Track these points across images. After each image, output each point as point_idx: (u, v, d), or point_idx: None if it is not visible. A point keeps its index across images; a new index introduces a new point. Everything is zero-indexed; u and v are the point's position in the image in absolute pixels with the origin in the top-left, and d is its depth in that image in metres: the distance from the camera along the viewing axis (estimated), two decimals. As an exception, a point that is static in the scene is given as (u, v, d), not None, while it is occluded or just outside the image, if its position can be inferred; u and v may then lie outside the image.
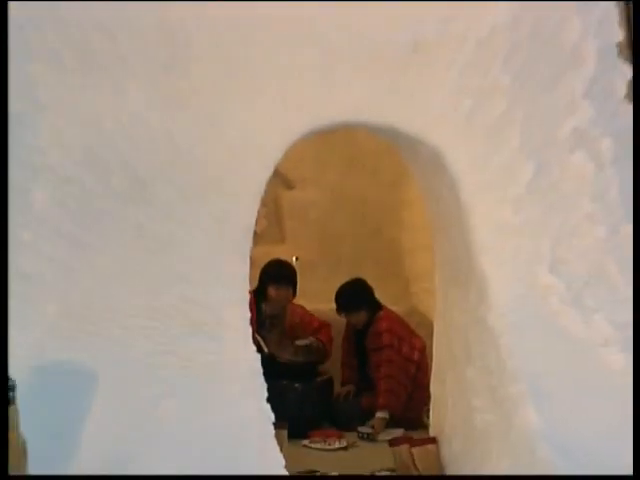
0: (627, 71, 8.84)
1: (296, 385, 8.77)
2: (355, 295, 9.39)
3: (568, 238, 8.25)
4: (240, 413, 7.43)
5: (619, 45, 8.77)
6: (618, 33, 8.76)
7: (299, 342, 9.49)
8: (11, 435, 6.95)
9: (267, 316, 9.03)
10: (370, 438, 8.97)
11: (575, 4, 8.33)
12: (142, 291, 7.75)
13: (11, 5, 8.01)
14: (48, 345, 7.79)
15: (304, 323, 9.59)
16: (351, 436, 8.92)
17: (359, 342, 9.53)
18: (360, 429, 9.08)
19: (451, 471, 8.44)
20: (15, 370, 6.99)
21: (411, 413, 9.21)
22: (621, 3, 15.92)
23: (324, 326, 9.56)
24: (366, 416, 9.17)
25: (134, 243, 7.88)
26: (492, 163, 8.11)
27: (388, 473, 8.47)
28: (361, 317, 9.38)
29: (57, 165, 8.16)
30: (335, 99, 7.93)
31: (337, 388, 9.63)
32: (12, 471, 6.96)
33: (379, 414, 9.07)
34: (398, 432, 8.83)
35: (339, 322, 9.77)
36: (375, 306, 9.41)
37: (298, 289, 9.57)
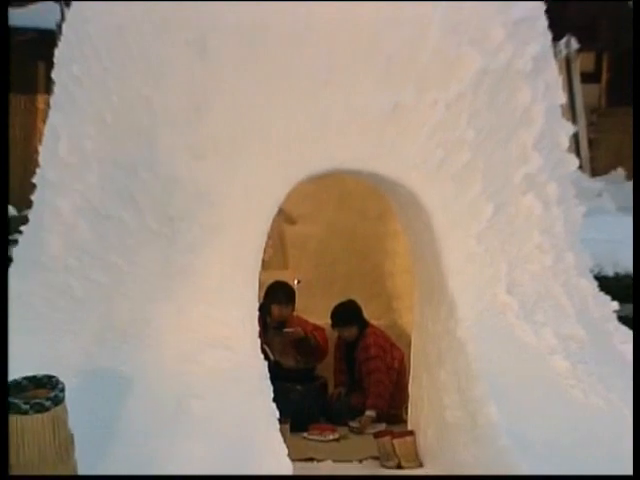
0: (569, 127, 8.98)
1: (297, 387, 8.79)
2: (347, 313, 9.43)
3: (521, 264, 8.36)
4: (251, 410, 7.48)
5: (562, 106, 8.89)
6: (561, 96, 8.87)
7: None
8: (60, 429, 7.04)
9: (271, 328, 9.02)
10: (358, 431, 9.00)
11: (526, 73, 8.41)
12: (171, 310, 7.84)
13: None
14: (93, 353, 7.87)
15: (302, 327, 9.60)
16: (343, 430, 8.93)
17: (349, 352, 9.56)
18: (351, 424, 9.10)
19: (426, 458, 8.50)
20: (65, 374, 7.10)
21: (393, 410, 9.21)
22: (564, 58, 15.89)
23: (319, 328, 9.58)
24: (355, 413, 9.17)
25: (163, 270, 7.95)
26: (459, 203, 8.18)
27: (373, 460, 8.58)
28: (352, 332, 9.42)
29: (99, 205, 8.27)
30: (328, 151, 7.97)
31: (331, 389, 9.62)
32: (62, 459, 7.04)
33: (368, 412, 9.10)
34: (381, 426, 8.85)
35: (332, 335, 9.77)
36: (363, 323, 9.45)
37: (298, 306, 9.59)
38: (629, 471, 7.48)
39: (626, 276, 11.48)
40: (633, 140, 13.92)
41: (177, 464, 7.13)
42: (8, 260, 9.15)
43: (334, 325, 9.57)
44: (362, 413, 9.10)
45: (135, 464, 7.17)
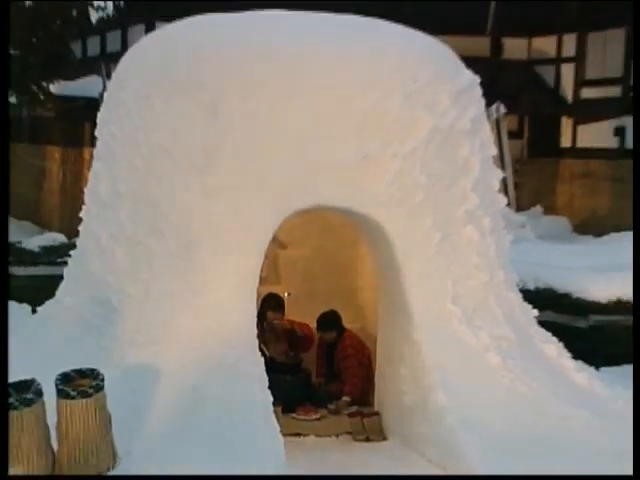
0: (499, 173, 8.99)
1: (287, 377, 8.71)
2: (329, 321, 9.36)
3: (463, 281, 8.34)
4: (251, 396, 7.43)
5: (493, 157, 8.90)
6: (493, 150, 8.89)
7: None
8: (101, 412, 6.98)
9: (267, 330, 8.93)
10: (335, 412, 8.92)
11: (466, 132, 8.41)
12: (189, 318, 7.80)
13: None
14: (126, 351, 7.82)
15: (292, 328, 9.52)
16: (323, 411, 8.82)
17: (329, 350, 9.48)
18: (329, 406, 9.03)
19: (389, 433, 8.45)
20: (105, 368, 7.09)
21: (363, 396, 9.12)
22: (495, 120, 15.77)
23: (303, 324, 9.49)
24: (333, 397, 9.07)
25: (183, 285, 7.91)
26: (414, 233, 8.15)
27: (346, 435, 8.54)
28: (332, 335, 9.36)
29: (131, 234, 8.27)
30: (312, 191, 7.95)
31: (314, 379, 9.53)
32: (102, 435, 6.98)
33: (344, 398, 9.03)
34: (353, 408, 8.77)
35: (315, 337, 9.69)
36: (341, 329, 9.39)
37: (288, 314, 9.51)
38: (546, 442, 7.53)
39: (544, 290, 11.46)
40: (633, 143, 13.62)
41: (194, 436, 7.11)
42: (59, 278, 9.09)
43: (319, 329, 9.52)
44: (339, 398, 9.02)
45: (159, 439, 7.16)
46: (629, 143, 19.22)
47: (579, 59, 21.02)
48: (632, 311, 8.52)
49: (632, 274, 12.17)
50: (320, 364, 9.71)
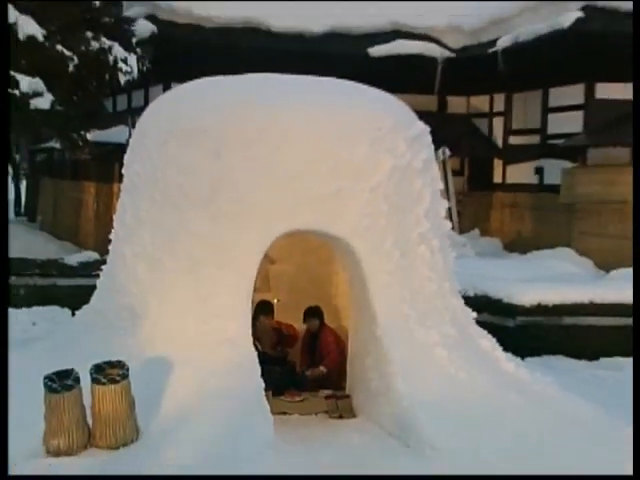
0: (445, 203, 8.98)
1: (276, 368, 8.63)
2: (313, 310, 9.26)
3: (417, 289, 8.29)
4: (247, 383, 7.40)
5: (440, 190, 8.87)
6: (440, 184, 8.88)
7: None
8: (126, 396, 6.94)
9: (259, 330, 8.82)
10: (311, 378, 8.85)
11: (419, 170, 8.38)
12: (198, 321, 7.77)
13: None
14: (146, 348, 7.76)
15: (280, 328, 9.43)
16: (305, 394, 8.72)
17: (311, 342, 9.37)
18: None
19: (358, 412, 8.36)
20: (129, 361, 7.07)
21: (338, 382, 8.97)
22: (441, 161, 15.75)
23: (291, 326, 9.41)
24: (314, 384, 9.00)
25: (192, 295, 7.88)
26: (378, 252, 8.09)
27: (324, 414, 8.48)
28: (315, 323, 9.24)
29: (150, 252, 8.23)
30: (296, 218, 7.93)
31: (298, 369, 9.42)
32: (127, 414, 6.92)
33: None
34: (329, 392, 8.65)
35: (300, 334, 9.60)
36: (322, 319, 9.28)
37: (277, 317, 9.43)
38: (482, 417, 7.52)
39: (481, 296, 11.44)
40: (633, 140, 13.39)
41: (200, 415, 7.09)
42: (93, 287, 9.01)
43: (305, 318, 9.40)
44: (319, 385, 8.91)
45: (172, 417, 7.12)
46: (546, 180, 19.27)
47: (507, 113, 21.04)
48: (632, 311, 8.24)
49: (553, 284, 12.20)
50: (303, 355, 9.58)
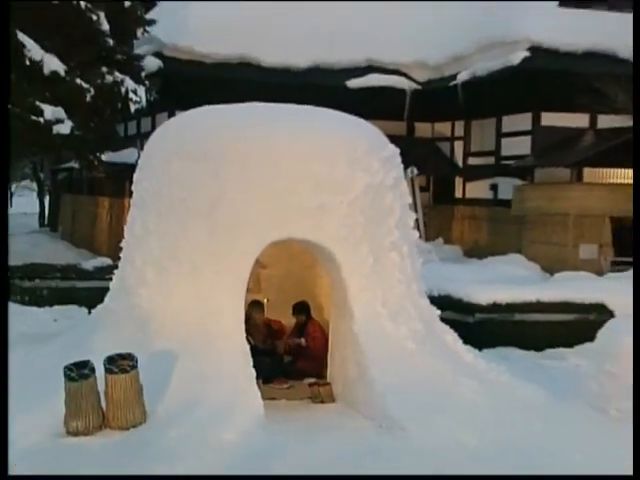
0: (413, 215, 8.96)
1: (266, 359, 8.55)
2: (301, 306, 9.16)
3: (389, 290, 8.25)
4: (240, 372, 7.39)
5: (409, 204, 8.84)
6: (409, 199, 8.85)
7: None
8: (135, 384, 6.89)
9: (251, 326, 8.74)
10: (299, 383, 8.75)
11: (390, 186, 8.36)
12: (198, 319, 7.70)
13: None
14: (154, 341, 7.71)
15: (270, 324, 9.35)
16: (292, 382, 8.69)
17: (299, 333, 9.26)
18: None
19: (338, 398, 8.29)
20: (138, 353, 7.07)
21: (319, 370, 8.88)
22: (410, 179, 15.70)
23: (279, 322, 9.33)
24: (299, 373, 8.92)
25: (193, 296, 7.83)
26: (355, 258, 8.05)
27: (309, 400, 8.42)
28: (303, 317, 9.16)
29: (157, 258, 8.16)
30: (283, 229, 7.90)
31: (286, 360, 9.36)
32: (136, 400, 6.87)
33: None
34: (312, 380, 8.56)
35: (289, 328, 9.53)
36: (309, 313, 9.20)
37: (267, 315, 9.36)
38: (445, 401, 7.53)
39: (444, 296, 11.34)
40: (633, 147, 13.24)
41: (200, 400, 7.08)
42: (106, 289, 8.94)
43: (293, 311, 9.32)
44: (304, 374, 8.83)
45: (176, 402, 7.10)
46: (500, 195, 19.30)
47: (466, 138, 21.08)
48: (633, 311, 8.07)
49: (506, 285, 12.18)
50: (291, 346, 9.46)
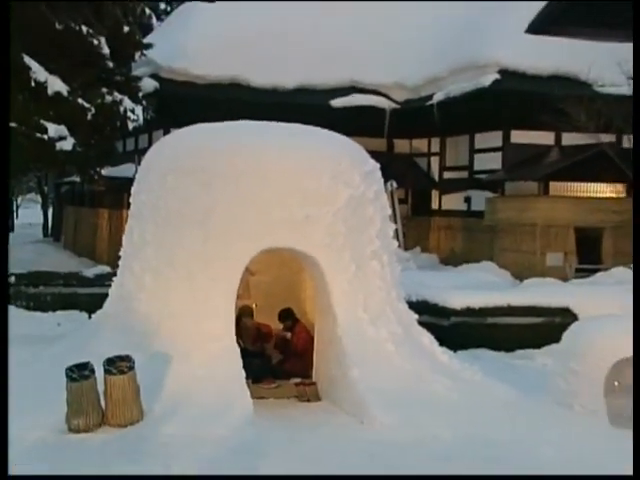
0: (393, 226, 8.95)
1: (256, 360, 8.46)
2: (286, 312, 9.08)
3: (370, 296, 8.21)
4: (231, 372, 7.37)
5: (389, 216, 8.83)
6: (389, 210, 8.85)
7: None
8: (133, 384, 6.85)
9: (241, 329, 8.68)
10: (286, 383, 8.67)
11: (371, 199, 8.36)
12: (192, 323, 7.65)
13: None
14: (150, 345, 7.68)
15: (259, 328, 9.30)
16: (279, 382, 8.57)
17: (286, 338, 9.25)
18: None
19: (323, 396, 8.24)
20: (136, 354, 7.03)
21: (305, 370, 8.82)
22: (389, 192, 15.69)
23: (267, 326, 9.26)
24: (287, 374, 8.84)
25: (188, 301, 7.78)
26: (338, 264, 8.02)
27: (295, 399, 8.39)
28: (289, 323, 9.08)
29: (154, 266, 8.11)
30: (272, 238, 7.88)
31: (274, 361, 9.27)
32: (134, 399, 6.83)
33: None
34: (298, 380, 8.48)
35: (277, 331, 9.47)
36: (295, 319, 9.12)
37: (256, 319, 9.30)
38: (422, 398, 7.52)
39: (422, 301, 11.29)
40: (633, 138, 13.09)
41: (194, 398, 7.05)
42: (106, 295, 8.88)
43: (279, 319, 9.26)
44: (291, 374, 8.76)
45: (171, 401, 7.07)
46: (473, 207, 19.37)
47: (441, 153, 21.14)
48: (633, 311, 7.90)
49: (479, 290, 12.18)
50: (278, 348, 9.40)
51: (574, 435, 7.13)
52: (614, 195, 17.13)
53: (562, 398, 7.86)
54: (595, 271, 15.57)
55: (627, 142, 14.49)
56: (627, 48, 17.85)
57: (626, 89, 16.29)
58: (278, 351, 9.32)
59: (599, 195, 17.70)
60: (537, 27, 18.66)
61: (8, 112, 7.59)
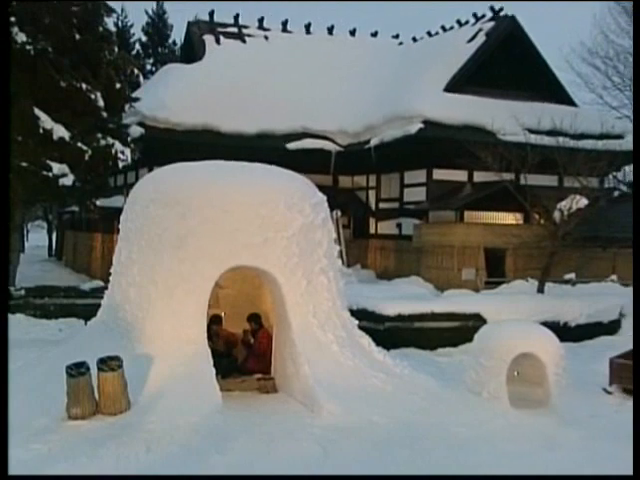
0: (337, 247, 8.86)
1: (223, 360, 8.37)
2: (255, 316, 8.93)
3: (319, 305, 8.14)
4: (203, 369, 7.26)
5: (335, 239, 8.80)
6: (334, 234, 8.77)
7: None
8: (121, 380, 6.72)
9: (212, 334, 8.56)
10: (249, 378, 8.57)
11: (319, 225, 8.32)
12: (171, 329, 7.54)
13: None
14: (135, 347, 7.54)
15: (226, 333, 9.18)
16: (244, 377, 8.43)
17: (252, 337, 9.10)
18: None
19: (280, 390, 8.20)
20: (124, 355, 6.88)
21: (266, 368, 8.71)
22: (335, 219, 15.67)
23: (234, 334, 9.15)
24: (249, 371, 8.76)
25: (167, 311, 7.65)
26: (292, 280, 7.95)
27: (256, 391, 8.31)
28: (253, 325, 8.97)
29: (138, 281, 7.96)
30: (237, 258, 7.80)
31: (239, 360, 9.14)
32: (123, 393, 6.70)
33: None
34: (260, 375, 8.36)
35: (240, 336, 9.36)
36: (260, 322, 9.00)
37: (224, 325, 9.19)
38: (362, 391, 7.49)
39: (362, 309, 11.18)
40: (633, 145, 12.58)
41: (172, 391, 6.93)
42: (99, 305, 8.70)
43: (248, 320, 9.10)
44: (254, 371, 8.64)
45: (153, 394, 6.96)
46: (404, 231, 19.56)
47: (377, 187, 21.34)
48: (633, 311, 7.40)
49: (408, 300, 12.21)
50: (244, 349, 9.28)
51: (483, 416, 7.22)
52: (514, 222, 17.45)
53: (473, 387, 7.93)
54: (500, 283, 15.81)
55: (523, 179, 14.80)
56: (521, 105, 18.50)
57: (522, 137, 16.75)
58: (244, 352, 9.24)
59: (503, 222, 18.05)
60: (452, 87, 19.13)
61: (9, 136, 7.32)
